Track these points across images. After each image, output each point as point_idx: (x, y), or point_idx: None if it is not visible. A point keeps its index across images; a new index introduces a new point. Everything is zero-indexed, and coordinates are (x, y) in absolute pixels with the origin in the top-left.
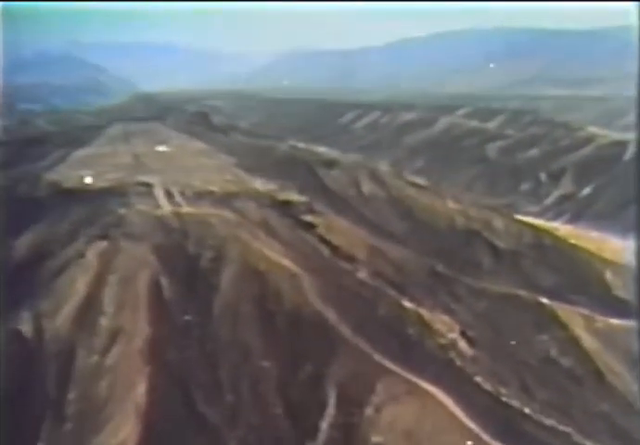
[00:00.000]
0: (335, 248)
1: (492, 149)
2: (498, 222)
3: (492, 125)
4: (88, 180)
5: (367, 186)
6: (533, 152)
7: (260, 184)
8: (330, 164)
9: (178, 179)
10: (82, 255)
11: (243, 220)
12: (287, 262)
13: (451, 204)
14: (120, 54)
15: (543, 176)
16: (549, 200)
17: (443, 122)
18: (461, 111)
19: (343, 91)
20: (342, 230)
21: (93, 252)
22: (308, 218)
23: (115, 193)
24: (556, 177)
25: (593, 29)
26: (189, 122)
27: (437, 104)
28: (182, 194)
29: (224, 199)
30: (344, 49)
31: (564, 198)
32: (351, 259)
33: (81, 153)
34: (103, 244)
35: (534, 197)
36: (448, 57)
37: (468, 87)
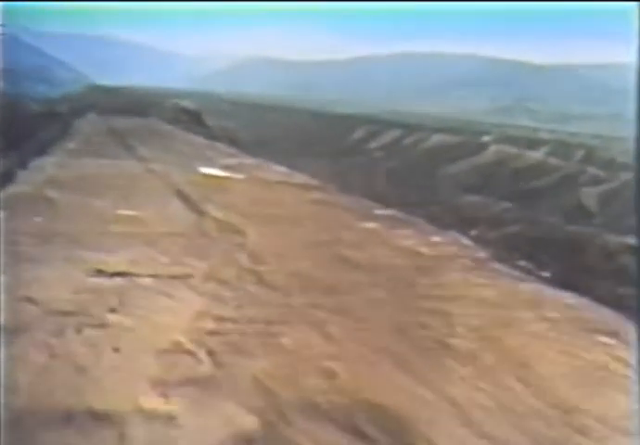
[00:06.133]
0: None
1: (590, 197)
2: None
3: (545, 158)
4: None
5: None
6: None
7: None
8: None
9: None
10: None
11: None
12: None
13: None
14: (74, 45)
15: None
16: None
17: (492, 150)
18: (487, 138)
19: (319, 100)
20: None
21: None
22: None
23: None
24: None
25: (561, 65)
26: (178, 121)
27: (444, 125)
28: None
29: None
30: (303, 60)
31: None
32: None
33: (45, 173)
34: None
35: None
36: (412, 77)
37: (444, 110)
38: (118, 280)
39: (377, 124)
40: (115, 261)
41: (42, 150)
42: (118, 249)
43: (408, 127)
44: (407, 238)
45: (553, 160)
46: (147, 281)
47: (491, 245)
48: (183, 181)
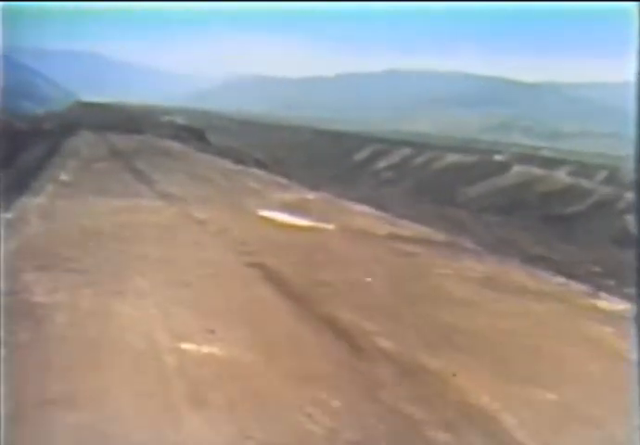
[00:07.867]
0: None
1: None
2: None
3: (574, 181)
4: None
5: None
6: None
7: None
8: None
9: None
10: None
11: None
12: None
13: None
14: (60, 61)
15: None
16: None
17: (515, 171)
18: (499, 157)
19: (315, 118)
20: None
21: None
22: None
23: None
24: None
25: (548, 82)
26: (178, 139)
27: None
28: None
29: None
30: (292, 77)
31: None
32: None
33: (25, 233)
34: None
35: None
36: (402, 95)
37: (439, 128)
38: None
39: (381, 143)
40: None
41: (23, 183)
42: None
43: (416, 146)
44: None
45: (584, 183)
46: None
47: None
48: (250, 237)
